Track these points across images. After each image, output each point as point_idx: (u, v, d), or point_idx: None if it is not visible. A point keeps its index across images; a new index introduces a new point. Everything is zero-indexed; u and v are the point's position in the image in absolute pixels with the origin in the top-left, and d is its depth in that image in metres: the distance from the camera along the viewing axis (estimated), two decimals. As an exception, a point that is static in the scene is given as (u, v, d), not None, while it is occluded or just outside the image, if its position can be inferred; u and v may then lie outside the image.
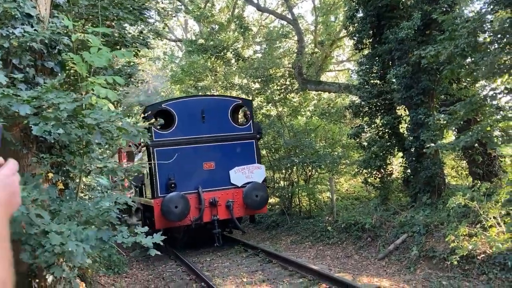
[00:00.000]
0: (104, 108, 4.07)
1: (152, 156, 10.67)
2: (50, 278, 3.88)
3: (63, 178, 3.93)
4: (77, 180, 4.45)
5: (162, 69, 26.15)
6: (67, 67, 4.48)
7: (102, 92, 3.97)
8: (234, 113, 12.58)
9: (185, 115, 11.15)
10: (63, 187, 3.97)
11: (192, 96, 12.50)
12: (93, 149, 3.77)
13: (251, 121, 12.08)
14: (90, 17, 5.65)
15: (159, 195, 10.67)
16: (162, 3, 12.36)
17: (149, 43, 8.05)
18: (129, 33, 7.09)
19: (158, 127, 12.39)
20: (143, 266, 11.34)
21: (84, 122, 3.28)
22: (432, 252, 8.37)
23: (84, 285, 7.96)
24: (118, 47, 6.44)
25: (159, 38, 9.27)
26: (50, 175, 3.85)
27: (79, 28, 4.19)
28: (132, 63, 8.25)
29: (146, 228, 4.09)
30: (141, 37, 7.69)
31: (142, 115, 10.82)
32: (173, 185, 10.61)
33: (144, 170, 11.52)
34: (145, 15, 8.05)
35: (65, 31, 4.00)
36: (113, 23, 6.15)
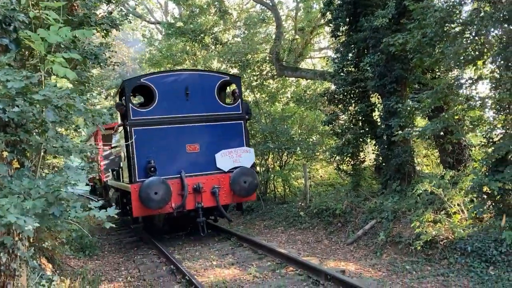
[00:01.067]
0: (63, 86, 4.03)
1: (129, 136, 9.68)
2: (4, 258, 3.86)
3: (18, 157, 3.89)
4: (36, 159, 4.42)
5: (141, 51, 25.84)
6: (26, 46, 4.40)
7: (61, 71, 3.92)
8: (221, 91, 11.56)
9: (166, 92, 10.12)
10: (19, 166, 3.94)
11: (175, 71, 11.03)
12: (48, 127, 3.72)
13: (239, 100, 11.06)
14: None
15: (137, 179, 9.71)
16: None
17: (118, 25, 7.87)
18: (95, 13, 6.94)
19: (137, 104, 11.63)
20: (115, 249, 11.33)
21: (34, 99, 3.24)
22: (399, 237, 8.56)
23: (51, 266, 7.94)
24: (83, 27, 6.32)
25: (128, 20, 9.00)
26: (5, 153, 3.80)
27: (36, 4, 4.11)
28: (103, 44, 8.09)
29: (100, 203, 4.07)
30: (110, 18, 7.52)
31: (118, 90, 10.64)
32: (152, 169, 9.66)
33: (121, 152, 10.83)
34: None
35: (21, 8, 3.93)
36: (77, 2, 6.03)
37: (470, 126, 8.01)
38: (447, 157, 11.46)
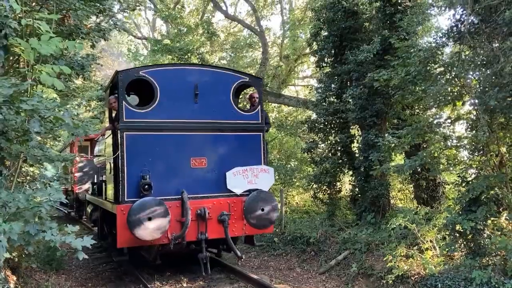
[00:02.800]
0: (49, 97, 3.99)
1: (120, 142, 7.59)
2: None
3: (-4, 165, 3.80)
4: (13, 168, 4.33)
5: (128, 64, 25.78)
6: (13, 53, 4.36)
7: (48, 81, 3.89)
8: (236, 94, 9.48)
9: (171, 90, 8.04)
10: (-4, 174, 3.85)
11: (182, 65, 9.05)
12: (32, 137, 3.66)
13: (259, 107, 8.84)
14: (44, 5, 5.50)
15: (126, 199, 7.50)
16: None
17: (106, 35, 7.82)
18: (85, 25, 6.93)
19: (133, 102, 9.17)
20: (83, 263, 11.03)
21: (21, 108, 3.19)
22: (371, 270, 8.60)
23: (15, 279, 7.68)
24: (72, 38, 6.29)
25: (117, 29, 8.95)
26: (-17, 161, 3.72)
27: (30, 14, 4.10)
28: (89, 55, 8.05)
29: (77, 227, 3.88)
30: (98, 28, 7.49)
31: (110, 84, 8.68)
32: (147, 186, 7.52)
33: (106, 162, 8.92)
34: (105, 6, 7.91)
35: (13, 15, 3.90)
36: (69, 13, 6.02)
37: (446, 165, 8.19)
38: (421, 193, 11.69)
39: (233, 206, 8.22)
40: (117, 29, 8.72)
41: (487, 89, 6.81)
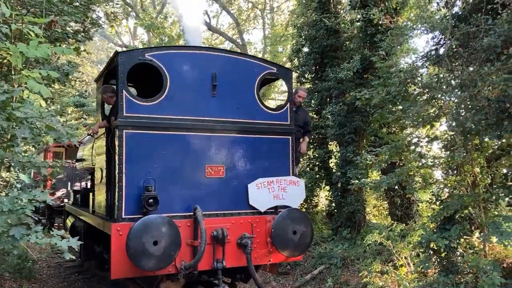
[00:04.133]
0: (35, 103, 3.96)
1: (118, 144, 5.87)
2: None
3: (-21, 170, 3.74)
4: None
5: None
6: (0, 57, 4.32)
7: (36, 87, 3.86)
8: (260, 88, 7.52)
9: (183, 79, 6.44)
10: (-23, 180, 3.78)
11: (197, 48, 6.88)
12: (17, 143, 3.62)
13: (288, 105, 7.24)
14: (32, 9, 5.45)
15: (124, 216, 5.78)
16: (113, 7, 12.14)
17: (91, 35, 7.72)
18: (72, 30, 6.89)
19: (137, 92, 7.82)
20: (53, 272, 10.78)
21: (13, 115, 3.16)
22: (346, 285, 8.69)
23: (-16, 287, 7.46)
24: (58, 44, 6.25)
25: (99, 26, 8.75)
26: (-34, 166, 3.65)
27: (19, 18, 4.07)
28: (71, 62, 7.97)
29: (62, 232, 3.80)
30: (83, 32, 7.44)
31: (105, 70, 7.13)
32: (152, 200, 5.81)
33: (97, 168, 7.38)
34: (92, 16, 7.91)
35: (2, 19, 3.87)
36: (57, 18, 5.96)
37: (422, 183, 8.40)
38: (395, 209, 11.90)
39: (255, 227, 6.51)
40: (98, 33, 8.59)
41: (463, 111, 7.06)
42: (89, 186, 9.42)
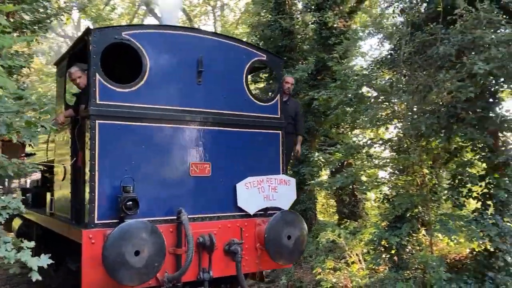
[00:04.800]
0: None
1: (88, 135, 5.07)
2: None
3: None
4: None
5: (46, 64, 24.36)
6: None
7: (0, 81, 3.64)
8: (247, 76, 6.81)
9: (165, 63, 5.66)
10: None
11: (181, 28, 6.12)
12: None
13: (278, 96, 6.61)
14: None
15: (97, 221, 4.96)
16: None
17: (47, 27, 7.33)
18: (29, 20, 6.54)
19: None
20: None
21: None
22: (300, 282, 8.87)
23: None
24: (17, 34, 5.90)
25: (59, 19, 8.31)
26: None
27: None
28: (23, 53, 7.54)
29: (32, 243, 3.35)
30: (40, 23, 7.06)
31: (70, 50, 6.23)
32: (131, 203, 4.95)
33: (59, 164, 6.41)
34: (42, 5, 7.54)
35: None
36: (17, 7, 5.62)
37: (375, 183, 8.73)
38: (343, 208, 12.29)
39: (244, 231, 5.85)
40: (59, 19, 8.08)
41: (415, 116, 7.42)
42: (40, 184, 8.70)
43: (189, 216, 5.26)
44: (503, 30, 5.88)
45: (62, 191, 6.21)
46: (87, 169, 5.03)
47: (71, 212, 5.66)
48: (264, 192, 6.19)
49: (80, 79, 5.86)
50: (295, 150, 7.46)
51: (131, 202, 4.89)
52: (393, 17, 8.28)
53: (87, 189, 4.98)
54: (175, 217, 5.28)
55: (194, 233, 5.21)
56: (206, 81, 5.83)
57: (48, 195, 6.92)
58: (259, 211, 6.10)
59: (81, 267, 4.78)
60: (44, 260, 3.22)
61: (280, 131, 6.50)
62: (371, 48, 20.30)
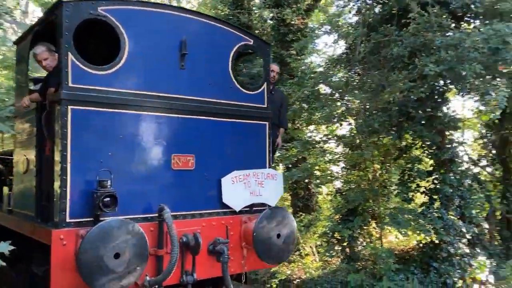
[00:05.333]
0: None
1: (59, 123, 4.48)
2: None
3: None
4: None
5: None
6: None
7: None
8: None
9: (146, 44, 5.07)
10: None
11: (163, 6, 5.87)
12: None
13: (265, 85, 6.08)
14: None
15: (68, 219, 4.42)
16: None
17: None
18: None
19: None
20: None
21: None
22: (255, 274, 9.00)
23: None
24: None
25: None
26: None
27: None
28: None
29: None
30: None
31: (36, 26, 5.52)
32: (108, 199, 4.42)
33: (19, 155, 5.70)
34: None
35: None
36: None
37: (328, 177, 9.00)
38: (298, 201, 12.56)
39: (232, 229, 5.44)
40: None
41: (368, 113, 7.72)
42: None
43: (172, 213, 4.70)
44: (452, 34, 6.20)
45: (23, 184, 5.55)
46: (57, 161, 4.45)
47: (36, 209, 5.02)
48: (251, 187, 5.71)
49: (47, 61, 5.13)
50: (276, 143, 7.09)
51: (109, 199, 4.33)
52: (349, 18, 8.54)
53: (57, 184, 4.40)
54: (156, 215, 4.73)
55: (178, 232, 4.68)
56: (190, 66, 5.30)
57: (6, 189, 6.20)
58: (246, 207, 5.57)
59: (50, 271, 4.26)
60: (3, 246, 3.04)
61: (266, 122, 6.01)
62: (326, 45, 20.76)
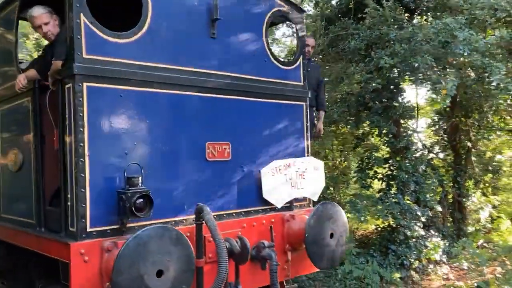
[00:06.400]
0: None
1: (72, 105, 3.37)
2: None
3: None
4: None
5: None
6: None
7: None
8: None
9: (170, 10, 3.95)
10: None
11: None
12: None
13: (300, 58, 5.05)
14: None
15: (90, 228, 3.30)
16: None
17: None
18: None
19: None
20: None
21: None
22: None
23: None
24: None
25: None
26: None
27: None
28: None
29: None
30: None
31: None
32: (141, 200, 3.29)
33: (13, 146, 4.47)
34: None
35: None
36: None
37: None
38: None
39: (275, 228, 4.50)
40: None
41: (327, 103, 7.95)
42: None
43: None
44: (405, 28, 6.49)
45: (15, 185, 4.56)
46: (71, 155, 3.43)
47: (36, 215, 4.02)
48: (292, 179, 4.75)
49: (48, 26, 3.92)
50: (316, 129, 6.15)
51: (142, 200, 3.34)
52: (308, 11, 8.70)
53: (73, 183, 3.40)
54: (193, 217, 3.74)
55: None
56: (222, 34, 4.31)
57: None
58: (287, 203, 4.69)
59: None
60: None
61: (304, 103, 5.05)
62: (283, 35, 20.94)
